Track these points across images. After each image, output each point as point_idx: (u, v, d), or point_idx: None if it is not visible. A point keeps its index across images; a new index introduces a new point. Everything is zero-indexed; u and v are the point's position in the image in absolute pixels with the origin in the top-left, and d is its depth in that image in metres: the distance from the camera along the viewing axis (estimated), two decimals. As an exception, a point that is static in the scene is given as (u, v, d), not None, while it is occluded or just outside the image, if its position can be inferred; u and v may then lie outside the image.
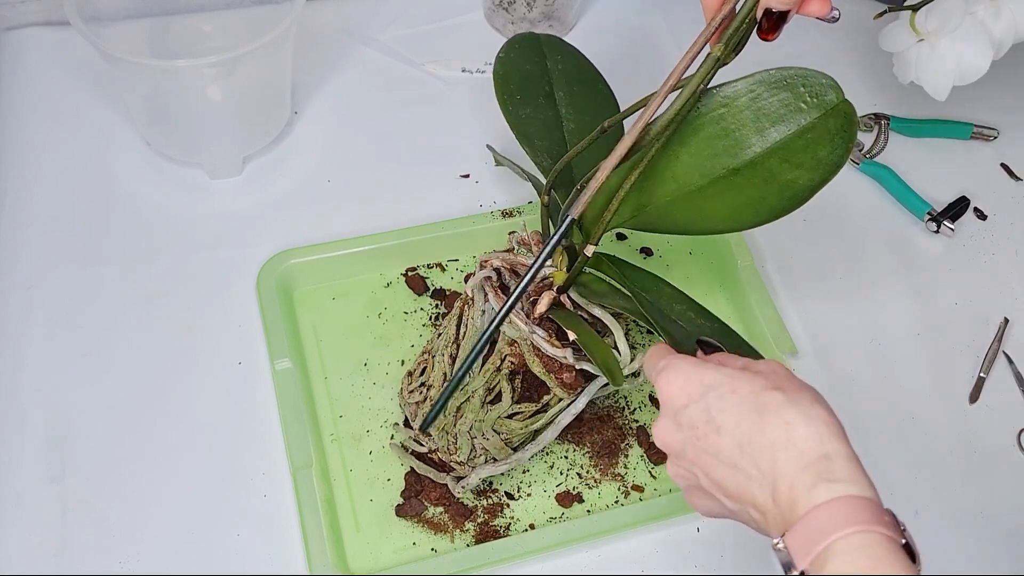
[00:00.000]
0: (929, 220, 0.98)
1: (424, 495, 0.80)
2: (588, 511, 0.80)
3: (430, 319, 0.90)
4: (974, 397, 0.89)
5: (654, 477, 0.82)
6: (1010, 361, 0.91)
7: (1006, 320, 0.93)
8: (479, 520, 0.79)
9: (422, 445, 0.80)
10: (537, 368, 0.75)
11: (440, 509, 0.79)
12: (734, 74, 0.71)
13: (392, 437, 0.83)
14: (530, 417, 0.77)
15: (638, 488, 0.82)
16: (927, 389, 0.89)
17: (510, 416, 0.77)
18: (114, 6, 0.95)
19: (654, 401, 0.86)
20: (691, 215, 0.72)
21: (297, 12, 0.88)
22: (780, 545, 0.52)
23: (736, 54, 0.66)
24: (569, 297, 0.76)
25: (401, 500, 0.80)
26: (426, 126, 1.03)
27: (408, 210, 0.94)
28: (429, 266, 0.93)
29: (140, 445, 0.81)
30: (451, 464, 0.79)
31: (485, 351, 0.76)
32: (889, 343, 0.91)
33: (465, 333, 0.78)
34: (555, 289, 0.75)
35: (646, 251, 0.96)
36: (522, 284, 0.69)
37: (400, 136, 1.02)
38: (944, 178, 1.03)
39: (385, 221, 0.93)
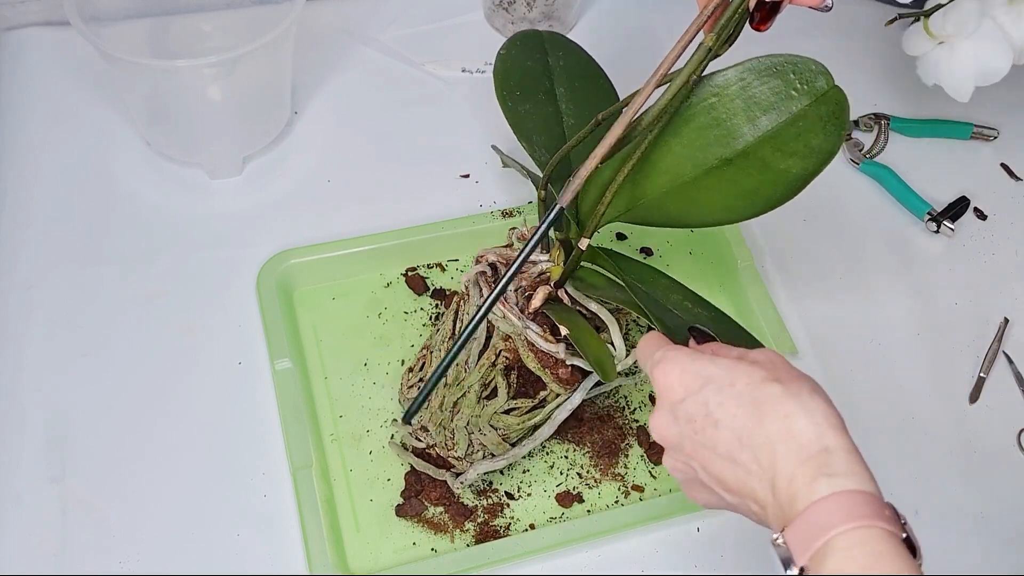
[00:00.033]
0: (929, 220, 0.98)
1: (424, 495, 0.80)
2: (588, 511, 0.80)
3: (430, 319, 0.90)
4: (974, 397, 0.89)
5: (654, 477, 0.82)
6: (1010, 361, 0.91)
7: (1006, 320, 0.93)
8: (479, 520, 0.79)
9: (420, 440, 0.80)
10: (532, 363, 0.75)
11: (440, 509, 0.79)
12: (727, 64, 0.71)
13: (392, 437, 0.83)
14: (527, 413, 0.77)
15: (638, 488, 0.82)
16: (927, 389, 0.89)
17: (507, 412, 0.77)
18: (114, 6, 0.95)
19: (654, 400, 0.86)
20: (686, 207, 0.72)
21: (297, 12, 0.88)
22: (780, 541, 0.52)
23: (729, 45, 0.65)
24: (567, 292, 0.76)
25: (401, 500, 0.80)
26: (426, 126, 1.03)
27: (408, 210, 0.94)
28: (429, 266, 0.93)
29: (140, 445, 0.81)
30: (449, 460, 0.79)
31: (480, 346, 0.76)
32: (889, 343, 0.91)
33: (461, 329, 0.78)
34: (551, 284, 0.75)
35: (646, 251, 0.96)
36: (508, 273, 0.69)
37: (400, 136, 1.02)
38: (944, 178, 1.03)
39: (385, 221, 0.93)
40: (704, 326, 0.66)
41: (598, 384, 0.79)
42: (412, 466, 0.81)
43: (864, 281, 0.95)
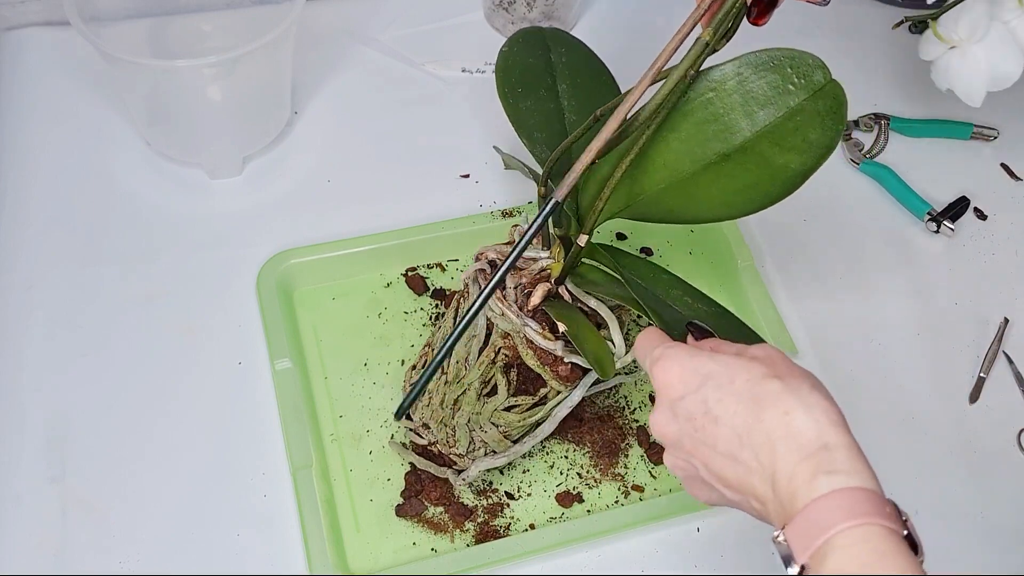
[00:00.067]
0: (929, 220, 0.98)
1: (424, 495, 0.80)
2: (588, 511, 0.80)
3: (430, 319, 0.90)
4: (974, 397, 0.89)
5: (654, 477, 0.82)
6: (1010, 361, 0.91)
7: (1006, 320, 0.93)
8: (479, 520, 0.79)
9: (422, 438, 0.80)
10: (531, 361, 0.75)
11: (440, 509, 0.79)
12: (724, 59, 0.70)
13: (392, 437, 0.83)
14: (528, 410, 0.77)
15: (638, 488, 0.82)
16: (927, 389, 0.89)
17: (507, 409, 0.77)
18: (114, 6, 0.96)
19: (654, 400, 0.86)
20: (685, 202, 0.72)
21: (297, 12, 0.88)
22: (780, 538, 0.52)
23: (727, 40, 0.65)
24: (568, 289, 0.76)
25: (401, 500, 0.80)
26: (426, 126, 1.03)
27: (408, 210, 0.94)
28: (429, 266, 0.93)
29: (140, 445, 0.81)
30: (451, 457, 0.79)
31: (480, 343, 0.76)
32: (889, 343, 0.91)
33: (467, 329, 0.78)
34: (551, 281, 0.75)
35: (646, 251, 0.96)
36: (504, 266, 0.69)
37: (400, 136, 1.02)
38: (944, 178, 1.03)
39: (385, 221, 0.93)
40: (702, 322, 0.66)
41: (599, 381, 0.79)
42: (412, 466, 0.81)
43: (864, 281, 0.95)
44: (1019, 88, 1.06)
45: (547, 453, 0.83)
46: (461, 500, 0.80)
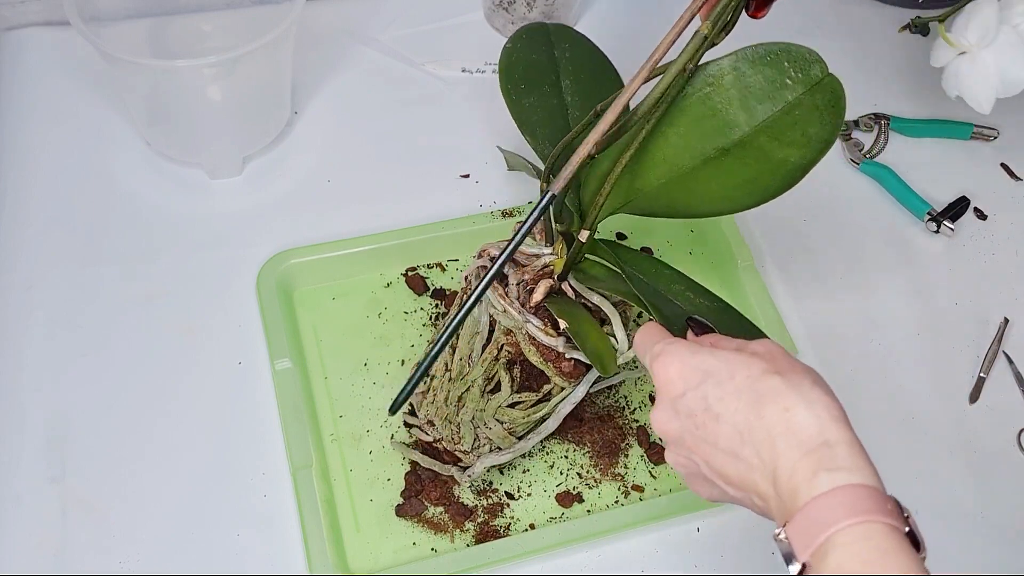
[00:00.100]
0: (929, 220, 0.98)
1: (424, 495, 0.80)
2: (588, 511, 0.80)
3: (430, 319, 0.90)
4: (974, 397, 0.89)
5: (654, 477, 0.82)
6: (1010, 361, 0.91)
7: (1006, 320, 0.93)
8: (479, 520, 0.79)
9: (428, 435, 0.80)
10: (534, 357, 0.75)
11: (440, 509, 0.79)
12: (722, 54, 0.70)
13: (392, 437, 0.83)
14: (532, 406, 0.77)
15: (638, 488, 0.82)
16: (927, 389, 0.89)
17: (512, 405, 0.77)
18: (114, 6, 0.95)
19: (654, 400, 0.86)
20: (685, 197, 0.71)
21: (297, 12, 0.88)
22: (782, 536, 0.52)
23: (726, 33, 0.65)
24: (571, 286, 0.76)
25: (401, 500, 0.80)
26: (426, 126, 1.03)
27: (408, 210, 0.94)
28: (429, 266, 0.93)
29: (140, 445, 0.81)
30: (456, 454, 0.79)
31: (483, 340, 0.76)
32: (889, 343, 0.91)
33: (463, 323, 0.78)
34: (555, 277, 0.75)
35: (646, 251, 0.96)
36: (501, 258, 0.68)
37: (400, 136, 1.02)
38: (944, 178, 1.03)
39: (385, 221, 0.93)
40: (703, 317, 0.66)
41: (603, 377, 0.78)
42: (412, 466, 0.81)
43: (864, 281, 0.95)
44: (1019, 88, 1.05)
45: (547, 453, 0.83)
46: (461, 500, 0.80)
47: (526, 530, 0.79)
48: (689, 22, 0.64)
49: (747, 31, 0.67)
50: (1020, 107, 1.08)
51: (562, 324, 0.72)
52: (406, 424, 0.83)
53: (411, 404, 0.83)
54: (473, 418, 0.77)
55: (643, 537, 0.79)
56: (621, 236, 0.96)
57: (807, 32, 1.05)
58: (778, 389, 0.54)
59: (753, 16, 0.63)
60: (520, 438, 0.78)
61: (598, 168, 0.72)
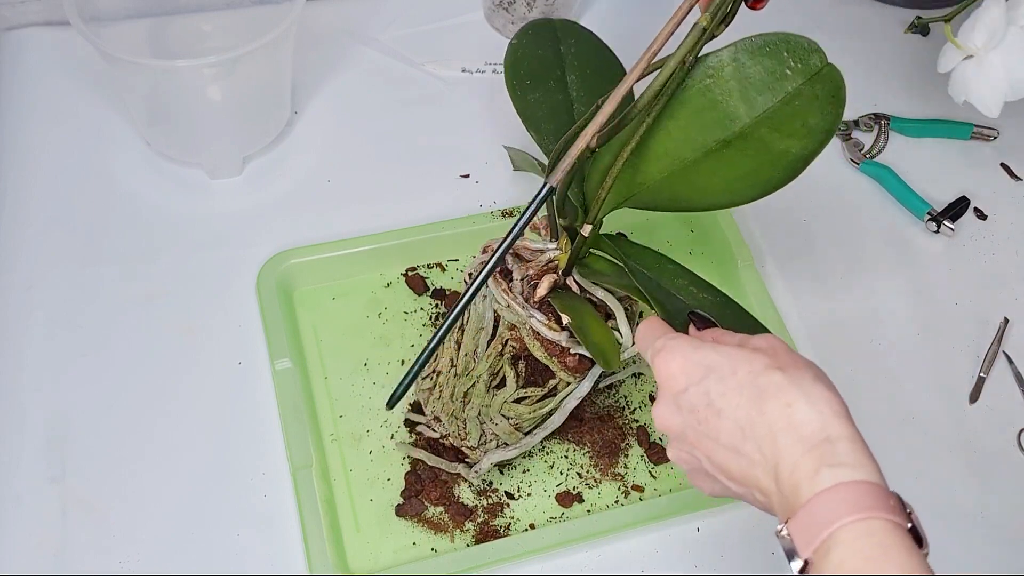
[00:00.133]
0: (929, 220, 0.98)
1: (424, 495, 0.80)
2: (588, 511, 0.80)
3: (430, 319, 0.90)
4: (974, 397, 0.89)
5: (654, 477, 0.82)
6: (1010, 361, 0.91)
7: (1006, 320, 0.93)
8: (479, 520, 0.79)
9: (435, 431, 0.80)
10: (539, 352, 0.75)
11: (440, 509, 0.79)
12: (721, 45, 0.70)
13: (392, 436, 0.83)
14: (538, 401, 0.77)
15: (638, 488, 0.82)
16: (927, 389, 0.89)
17: (518, 401, 0.77)
18: (114, 6, 0.96)
19: (654, 400, 0.86)
20: (687, 190, 0.71)
21: (297, 12, 0.88)
22: (784, 532, 0.51)
23: (725, 25, 0.64)
24: (575, 280, 0.76)
25: (401, 500, 0.80)
26: (426, 126, 1.03)
27: (408, 210, 0.94)
28: (429, 266, 0.93)
29: (140, 445, 0.81)
30: (463, 450, 0.79)
31: (488, 336, 0.76)
32: (889, 343, 0.91)
33: (468, 318, 0.78)
34: (559, 272, 0.75)
35: (647, 250, 0.96)
36: (500, 250, 0.68)
37: (400, 136, 1.02)
38: (944, 178, 1.03)
39: (385, 221, 0.93)
40: (705, 311, 0.66)
41: (608, 372, 0.78)
42: (412, 466, 0.81)
43: (864, 281, 0.95)
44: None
45: (547, 453, 0.83)
46: (461, 500, 0.80)
47: (526, 530, 0.79)
48: (687, 14, 0.63)
49: (746, 24, 0.67)
50: (1020, 107, 1.08)
51: (565, 319, 0.72)
52: (408, 423, 0.83)
53: (417, 401, 0.83)
54: (479, 414, 0.77)
55: (643, 537, 0.79)
56: (622, 236, 0.96)
57: (807, 31, 1.04)
58: (780, 384, 0.54)
59: (752, 7, 0.63)
60: (526, 433, 0.78)
61: (600, 162, 0.72)
